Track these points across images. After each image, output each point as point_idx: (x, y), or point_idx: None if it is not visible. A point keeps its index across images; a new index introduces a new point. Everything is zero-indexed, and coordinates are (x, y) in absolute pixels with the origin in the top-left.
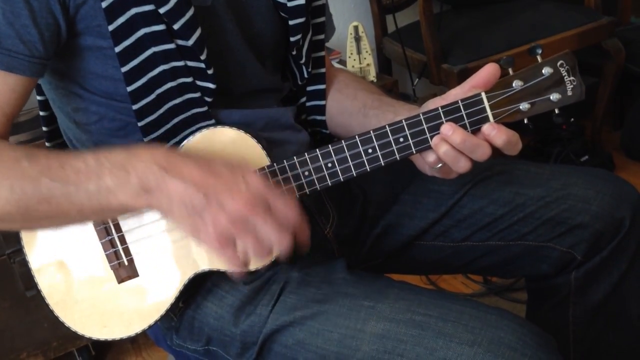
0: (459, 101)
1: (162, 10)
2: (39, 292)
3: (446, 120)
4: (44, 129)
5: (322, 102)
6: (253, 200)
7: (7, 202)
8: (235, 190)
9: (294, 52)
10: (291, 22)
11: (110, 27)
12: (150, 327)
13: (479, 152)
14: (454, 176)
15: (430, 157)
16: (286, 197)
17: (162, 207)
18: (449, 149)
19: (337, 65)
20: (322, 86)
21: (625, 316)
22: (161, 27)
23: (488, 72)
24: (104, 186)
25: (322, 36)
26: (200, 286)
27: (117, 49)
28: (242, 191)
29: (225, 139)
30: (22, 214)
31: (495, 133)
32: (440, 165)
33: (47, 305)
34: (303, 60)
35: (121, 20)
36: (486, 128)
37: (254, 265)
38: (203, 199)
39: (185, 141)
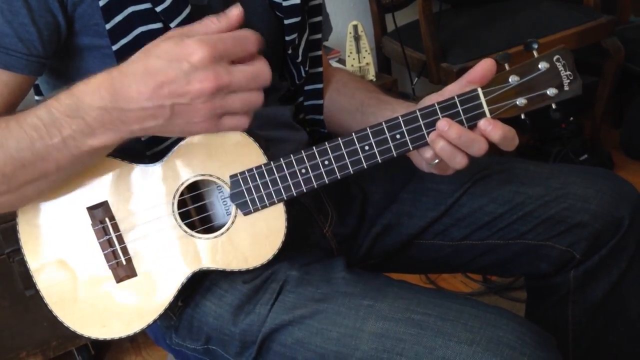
0: (455, 97)
1: (158, 9)
2: (38, 291)
3: (442, 116)
4: None
5: (320, 102)
6: (211, 75)
7: None
8: (190, 79)
9: (290, 51)
10: (286, 22)
11: (108, 26)
12: (149, 326)
13: (475, 148)
14: (450, 172)
15: (427, 153)
16: (230, 23)
17: (138, 132)
18: (445, 144)
19: (335, 65)
20: (320, 85)
21: (624, 315)
22: (158, 25)
23: (484, 67)
24: (68, 136)
25: (319, 35)
26: (199, 285)
27: (115, 48)
28: (195, 75)
29: (222, 137)
30: (3, 181)
31: (491, 128)
32: (437, 161)
33: (46, 304)
34: (300, 59)
35: (118, 18)
36: (482, 123)
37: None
38: (169, 108)
39: (182, 141)
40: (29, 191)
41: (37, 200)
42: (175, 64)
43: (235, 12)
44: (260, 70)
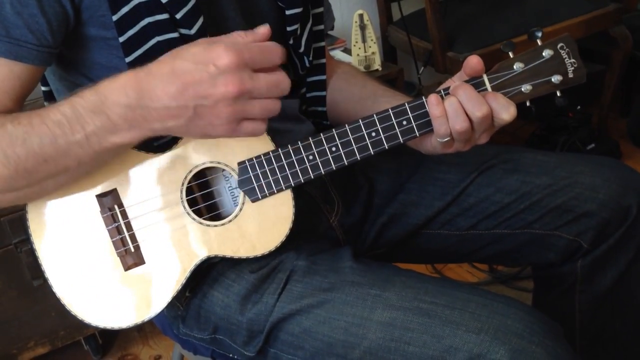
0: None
1: (164, 0)
2: (45, 281)
3: None
4: None
5: (323, 93)
6: (236, 79)
7: (5, 167)
8: (216, 82)
9: (292, 42)
10: (288, 12)
11: (114, 17)
12: (157, 314)
13: (476, 107)
14: (453, 149)
15: (441, 128)
16: (257, 36)
17: (159, 131)
18: (455, 100)
19: (341, 54)
20: (323, 77)
21: (631, 304)
22: (164, 16)
23: (469, 65)
24: (91, 133)
25: (321, 26)
26: (206, 275)
27: (121, 39)
28: (221, 79)
29: None
30: (24, 176)
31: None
32: (447, 139)
33: (54, 293)
34: (302, 49)
35: (125, 9)
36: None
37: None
38: (192, 108)
39: None
40: (49, 185)
41: (55, 193)
42: (202, 66)
43: (263, 30)
44: (281, 79)
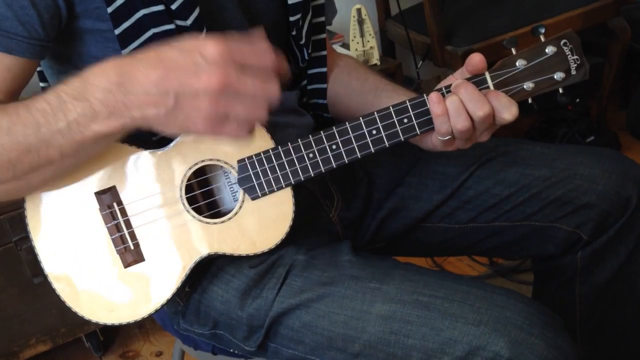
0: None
1: None
2: (46, 278)
3: None
4: None
5: (324, 85)
6: (221, 72)
7: None
8: (200, 71)
9: (294, 33)
10: (290, 1)
11: (109, 9)
12: (157, 311)
13: (478, 105)
14: (454, 147)
15: (443, 127)
16: (253, 40)
17: (138, 121)
18: (456, 99)
19: (340, 49)
20: (324, 69)
21: (631, 295)
22: (160, 7)
23: (472, 63)
24: (73, 120)
25: (322, 18)
26: (206, 270)
27: (117, 31)
28: (205, 69)
29: None
30: (8, 168)
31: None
32: (448, 137)
33: (54, 290)
34: (303, 41)
35: (120, 1)
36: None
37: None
38: (173, 97)
39: None
40: (34, 179)
41: (44, 188)
42: (188, 54)
43: (258, 32)
44: (271, 87)
